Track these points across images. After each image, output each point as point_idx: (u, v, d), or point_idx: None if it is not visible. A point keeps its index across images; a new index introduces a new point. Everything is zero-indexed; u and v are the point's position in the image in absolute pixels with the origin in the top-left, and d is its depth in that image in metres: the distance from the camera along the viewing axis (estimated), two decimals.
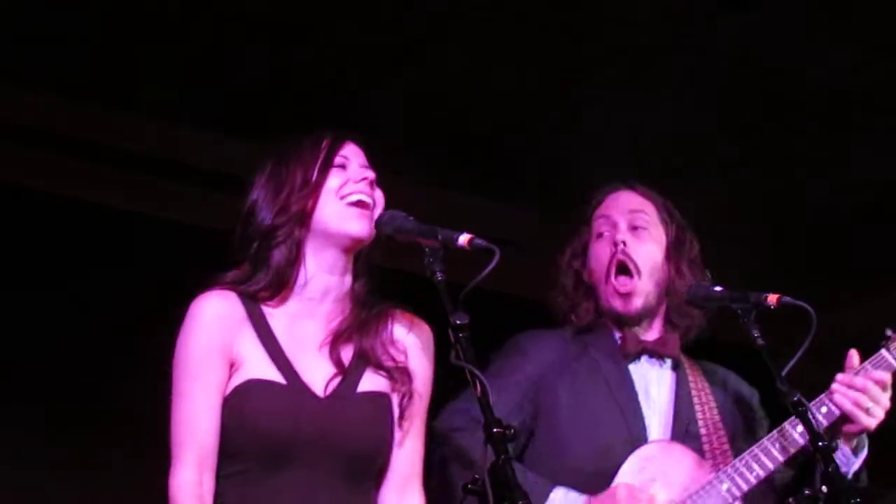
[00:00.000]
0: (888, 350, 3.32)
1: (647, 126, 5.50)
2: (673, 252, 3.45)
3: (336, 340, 2.83)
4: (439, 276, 2.71)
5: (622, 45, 5.02)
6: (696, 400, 3.35)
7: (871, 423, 3.20)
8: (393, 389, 2.84)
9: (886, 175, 5.75)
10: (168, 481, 2.71)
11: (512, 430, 2.54)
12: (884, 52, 5.00)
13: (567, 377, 3.33)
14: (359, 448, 2.76)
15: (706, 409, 3.34)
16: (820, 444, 2.95)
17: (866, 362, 3.28)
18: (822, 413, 3.19)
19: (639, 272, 3.38)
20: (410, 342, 2.91)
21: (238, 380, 2.76)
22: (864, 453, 3.23)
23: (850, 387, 3.20)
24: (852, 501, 2.87)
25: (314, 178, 2.85)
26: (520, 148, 5.70)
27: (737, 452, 3.30)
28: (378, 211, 2.88)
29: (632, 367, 3.38)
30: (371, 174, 2.89)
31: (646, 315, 3.40)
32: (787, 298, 3.15)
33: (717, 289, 3.29)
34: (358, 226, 2.84)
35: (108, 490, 4.93)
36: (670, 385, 3.39)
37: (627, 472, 3.18)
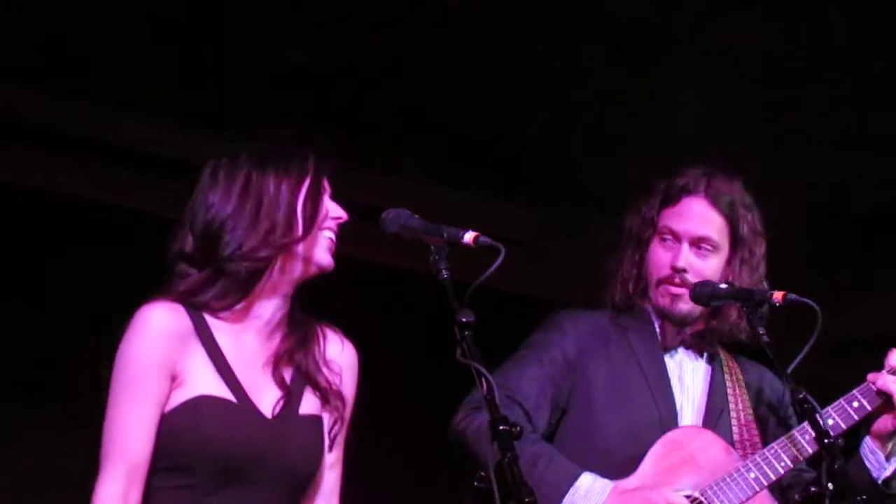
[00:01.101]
0: None
1: (648, 125, 5.49)
2: (734, 267, 3.42)
3: (278, 361, 2.81)
4: (444, 273, 2.72)
5: (623, 44, 5.02)
6: (730, 391, 3.37)
7: None
8: (325, 410, 2.84)
9: (890, 173, 5.75)
10: (93, 491, 2.66)
11: (518, 429, 2.55)
12: (885, 51, 5.00)
13: (603, 357, 3.36)
14: (299, 469, 2.78)
15: (739, 401, 3.36)
16: (826, 441, 2.94)
17: None
18: (853, 407, 3.18)
19: (690, 286, 3.36)
20: (344, 363, 2.91)
21: (187, 394, 2.72)
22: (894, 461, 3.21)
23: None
24: (858, 499, 2.86)
25: (304, 210, 2.78)
26: (522, 146, 5.70)
27: (767, 444, 3.30)
28: None
29: (667, 357, 3.40)
30: (345, 215, 2.86)
31: (689, 321, 3.40)
32: (793, 296, 3.15)
33: (723, 286, 3.29)
34: (328, 259, 2.83)
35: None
36: (705, 376, 3.41)
37: (655, 455, 3.20)
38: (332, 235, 2.84)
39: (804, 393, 3.01)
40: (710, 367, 3.42)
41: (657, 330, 3.41)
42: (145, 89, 5.22)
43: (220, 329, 2.78)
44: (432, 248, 2.75)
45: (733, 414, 3.33)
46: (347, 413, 2.88)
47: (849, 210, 6.08)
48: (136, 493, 2.67)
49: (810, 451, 3.17)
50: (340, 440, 2.88)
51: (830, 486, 2.90)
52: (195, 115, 5.35)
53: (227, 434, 2.69)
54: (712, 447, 3.24)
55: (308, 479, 2.81)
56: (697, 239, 3.41)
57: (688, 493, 3.15)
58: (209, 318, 2.77)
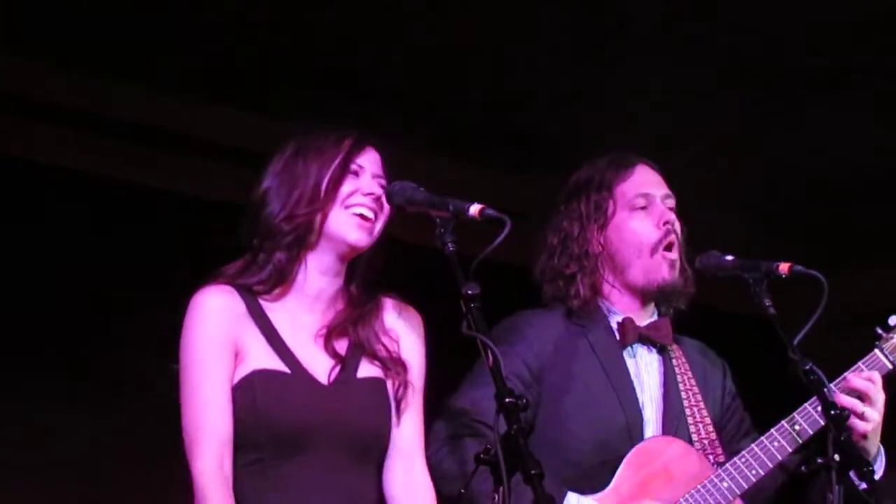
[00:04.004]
0: (881, 350, 3.30)
1: (660, 96, 5.48)
2: None
3: (331, 333, 2.90)
4: (450, 246, 2.73)
5: (633, 16, 5.00)
6: (681, 386, 3.34)
7: (867, 427, 3.17)
8: (387, 377, 2.92)
9: (893, 143, 5.74)
10: (190, 472, 2.75)
11: (524, 400, 2.55)
12: (887, 20, 4.98)
13: (565, 362, 3.31)
14: (363, 431, 2.85)
15: (690, 395, 3.34)
16: (832, 412, 2.94)
17: (859, 362, 3.28)
18: (795, 430, 3.20)
19: (679, 248, 3.38)
20: (402, 330, 2.99)
21: (243, 371, 2.82)
22: (877, 470, 3.18)
23: (852, 389, 3.19)
24: (865, 469, 2.87)
25: (326, 185, 2.89)
26: (530, 119, 5.70)
27: (723, 440, 3.32)
28: (382, 223, 2.94)
29: (625, 354, 3.36)
30: (379, 190, 2.93)
31: (677, 292, 3.39)
32: (799, 267, 3.14)
33: (729, 258, 3.27)
34: (356, 235, 2.90)
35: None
36: (658, 369, 3.38)
37: (629, 468, 3.18)
38: (365, 211, 2.90)
39: (811, 364, 3.00)
40: (661, 359, 3.39)
41: (614, 327, 3.37)
42: (156, 64, 5.22)
43: (273, 308, 2.89)
44: (438, 220, 2.76)
45: (688, 412, 3.31)
46: (413, 377, 2.95)
47: (849, 182, 6.08)
48: (229, 465, 2.77)
49: (779, 457, 3.20)
50: (414, 404, 2.94)
51: (837, 457, 2.89)
52: (199, 90, 5.36)
53: (282, 404, 2.78)
54: (685, 457, 3.22)
55: (375, 440, 2.87)
56: (667, 196, 3.42)
57: None
58: (262, 301, 2.88)
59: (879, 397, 3.21)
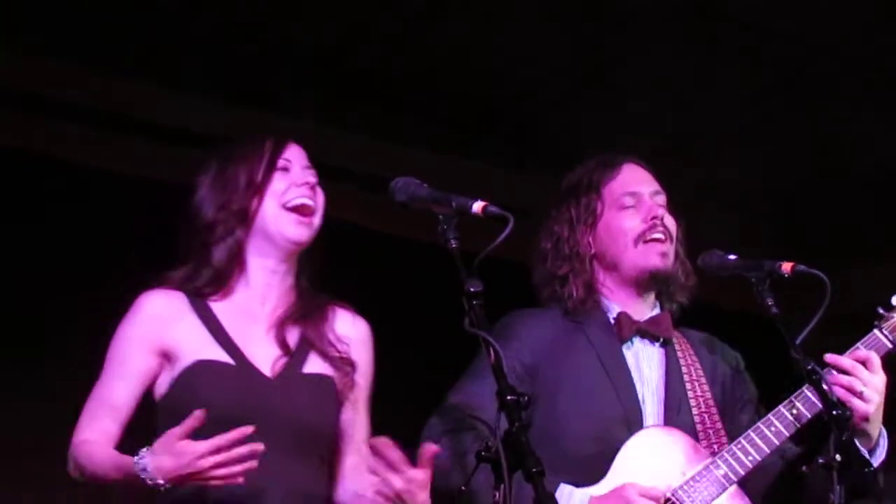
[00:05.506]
0: (881, 330, 3.28)
1: (661, 93, 5.48)
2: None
3: (281, 326, 2.95)
4: (453, 243, 2.73)
5: (637, 12, 5.00)
6: (686, 378, 3.32)
7: (868, 408, 3.13)
8: (335, 375, 2.95)
9: (893, 142, 5.74)
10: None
11: (526, 398, 2.54)
12: (887, 20, 4.98)
13: (562, 358, 3.30)
14: (304, 424, 2.87)
15: (696, 386, 3.32)
16: (834, 412, 2.94)
17: (858, 343, 3.24)
18: (793, 414, 3.17)
19: (671, 238, 3.38)
20: (353, 336, 3.03)
21: (186, 361, 2.86)
22: (879, 454, 3.16)
23: (841, 369, 3.16)
24: (866, 470, 2.86)
25: (258, 179, 2.96)
26: (531, 117, 5.69)
27: (729, 428, 3.29)
28: (319, 215, 3.00)
29: (624, 348, 3.35)
30: (313, 178, 3.00)
31: (667, 280, 3.38)
32: (802, 266, 3.14)
33: (731, 257, 3.27)
34: (296, 231, 2.97)
35: None
36: (660, 362, 3.36)
37: (625, 458, 3.17)
38: (304, 200, 2.97)
39: (813, 364, 3.00)
40: (663, 352, 3.37)
41: (611, 321, 3.36)
42: (157, 61, 5.22)
43: (220, 306, 2.94)
44: (441, 217, 2.76)
45: (693, 402, 3.29)
46: (361, 378, 2.99)
47: (848, 181, 6.08)
48: (115, 428, 2.85)
49: (777, 442, 3.16)
50: (359, 401, 2.99)
51: (838, 457, 2.88)
52: (200, 87, 5.36)
53: (225, 395, 2.81)
54: (680, 445, 3.20)
55: (316, 434, 2.90)
56: (656, 193, 3.42)
57: (659, 493, 3.11)
58: (210, 302, 2.94)
59: (876, 378, 3.16)
